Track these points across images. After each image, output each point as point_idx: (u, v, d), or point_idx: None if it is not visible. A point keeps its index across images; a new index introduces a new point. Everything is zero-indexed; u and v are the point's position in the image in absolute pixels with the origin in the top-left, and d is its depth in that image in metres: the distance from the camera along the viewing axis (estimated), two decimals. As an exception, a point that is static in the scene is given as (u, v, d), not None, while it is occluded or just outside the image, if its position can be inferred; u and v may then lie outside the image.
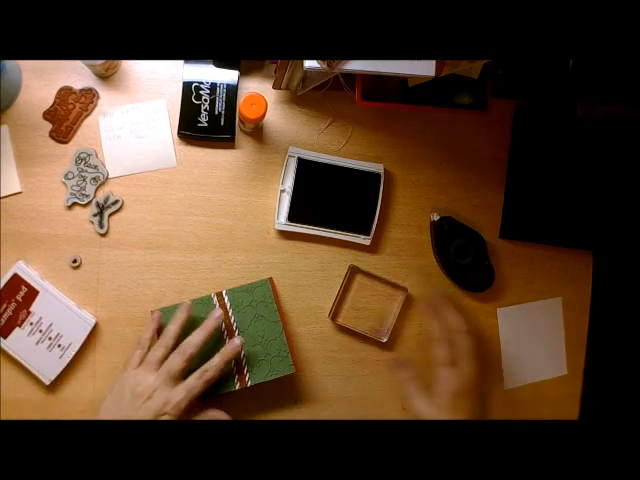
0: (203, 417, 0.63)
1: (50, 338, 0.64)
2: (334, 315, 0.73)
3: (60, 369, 0.65)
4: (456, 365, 0.65)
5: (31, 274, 0.65)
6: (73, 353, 0.65)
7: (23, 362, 0.64)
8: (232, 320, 0.68)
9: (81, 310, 0.66)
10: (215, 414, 0.63)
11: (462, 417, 0.62)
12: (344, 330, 0.73)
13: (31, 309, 0.64)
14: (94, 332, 0.67)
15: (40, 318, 0.64)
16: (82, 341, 0.65)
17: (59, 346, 0.65)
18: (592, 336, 0.79)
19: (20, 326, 0.64)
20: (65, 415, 0.66)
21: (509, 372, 0.76)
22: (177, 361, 0.62)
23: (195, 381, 0.61)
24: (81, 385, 0.67)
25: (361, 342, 0.73)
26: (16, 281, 0.64)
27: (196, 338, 0.63)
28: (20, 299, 0.64)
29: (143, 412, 0.59)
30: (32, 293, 0.64)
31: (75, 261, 0.67)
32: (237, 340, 0.65)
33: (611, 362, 0.78)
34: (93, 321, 0.66)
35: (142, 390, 0.60)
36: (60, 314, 0.65)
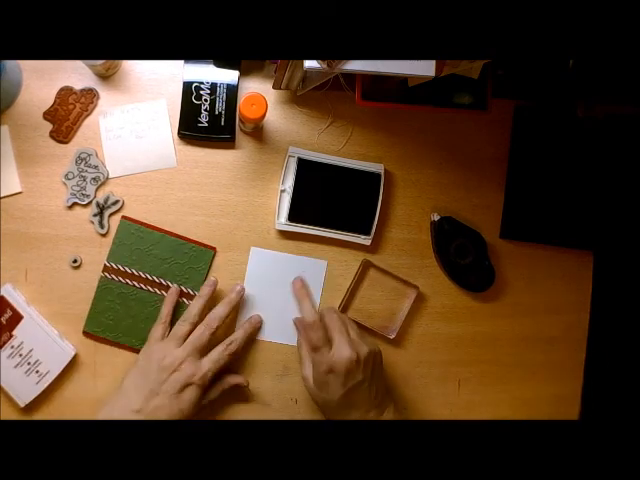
0: (223, 385, 0.66)
1: (29, 363, 0.64)
2: (344, 309, 0.73)
3: (35, 394, 0.64)
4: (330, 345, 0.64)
5: (18, 299, 0.65)
6: (50, 380, 0.65)
7: (0, 382, 0.64)
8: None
9: (62, 340, 0.66)
10: (233, 379, 0.67)
11: (328, 395, 0.62)
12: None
13: (14, 332, 0.64)
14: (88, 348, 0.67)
15: (21, 343, 0.64)
16: (60, 370, 0.65)
17: (37, 372, 0.64)
18: (592, 336, 0.79)
19: (1, 347, 0.64)
20: (65, 415, 0.66)
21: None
22: (204, 334, 0.64)
23: (221, 353, 0.65)
24: (82, 385, 0.67)
25: (368, 336, 0.73)
26: (2, 303, 0.64)
27: (220, 311, 0.66)
28: (4, 321, 0.64)
29: (170, 384, 0.61)
30: (16, 317, 0.64)
31: (75, 261, 0.67)
32: (257, 317, 0.69)
33: (611, 362, 0.78)
34: (73, 352, 0.66)
35: (169, 363, 0.62)
36: (41, 342, 0.64)
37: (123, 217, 0.68)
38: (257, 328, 0.70)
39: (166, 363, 0.62)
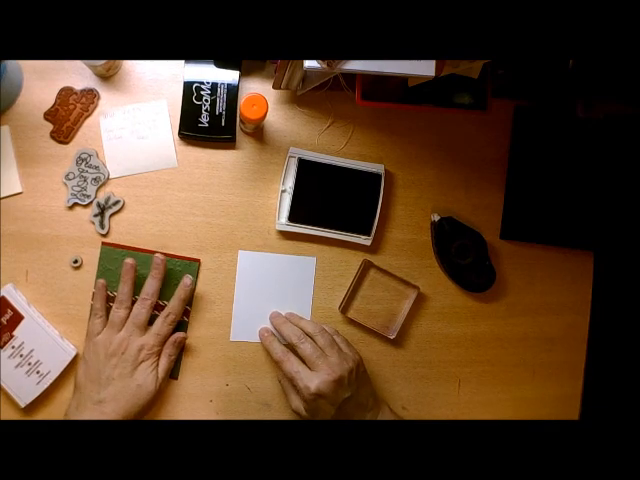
0: (167, 351, 0.67)
1: (30, 364, 0.64)
2: (344, 309, 0.73)
3: (36, 395, 0.64)
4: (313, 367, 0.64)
5: (19, 299, 0.65)
6: (51, 381, 0.65)
7: (1, 382, 0.64)
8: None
9: (63, 340, 0.66)
10: (172, 340, 0.67)
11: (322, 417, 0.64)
12: (350, 325, 0.73)
13: (14, 333, 0.64)
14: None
15: (22, 343, 0.64)
16: (61, 370, 0.65)
17: (38, 372, 0.64)
18: (592, 336, 0.79)
19: (2, 347, 0.64)
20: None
21: (238, 324, 0.71)
22: (141, 312, 0.65)
23: (162, 325, 0.66)
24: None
25: (368, 336, 0.74)
26: (3, 304, 0.64)
27: (151, 285, 0.66)
28: (5, 322, 0.64)
29: (121, 366, 0.63)
30: (17, 317, 0.64)
31: (76, 261, 0.67)
32: (187, 280, 0.68)
33: (611, 362, 0.78)
34: (73, 352, 0.66)
35: (115, 347, 0.64)
36: (42, 342, 0.65)
37: (103, 243, 0.68)
38: (189, 291, 0.68)
39: (113, 349, 0.63)
